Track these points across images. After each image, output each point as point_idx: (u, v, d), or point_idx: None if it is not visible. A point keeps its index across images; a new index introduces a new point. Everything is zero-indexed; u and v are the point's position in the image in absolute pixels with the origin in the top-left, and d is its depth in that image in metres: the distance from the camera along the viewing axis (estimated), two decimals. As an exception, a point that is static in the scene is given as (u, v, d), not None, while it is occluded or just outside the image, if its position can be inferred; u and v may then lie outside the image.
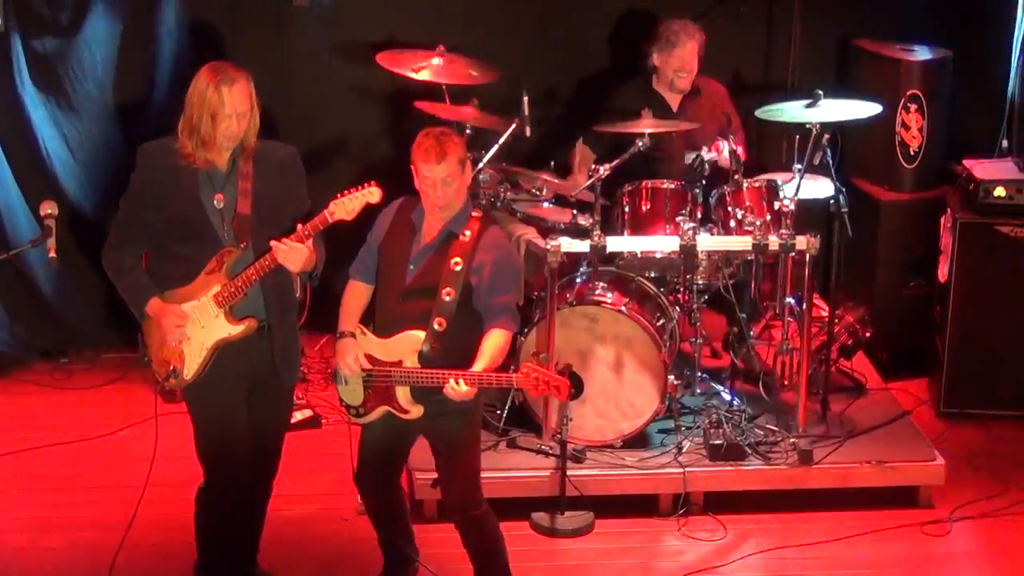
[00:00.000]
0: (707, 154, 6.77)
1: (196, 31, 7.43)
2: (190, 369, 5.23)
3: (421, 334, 5.17)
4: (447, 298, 5.17)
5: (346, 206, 5.15)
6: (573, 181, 6.97)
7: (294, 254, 5.12)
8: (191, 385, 5.25)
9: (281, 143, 5.38)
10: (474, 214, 5.28)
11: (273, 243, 5.11)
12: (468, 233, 5.22)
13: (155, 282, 5.24)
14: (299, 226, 5.14)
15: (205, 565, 5.51)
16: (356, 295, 5.41)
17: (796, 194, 6.53)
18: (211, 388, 5.25)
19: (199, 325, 5.20)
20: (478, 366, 5.11)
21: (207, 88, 5.06)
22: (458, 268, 5.18)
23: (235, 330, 5.20)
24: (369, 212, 5.25)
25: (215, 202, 5.16)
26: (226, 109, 5.05)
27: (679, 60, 6.98)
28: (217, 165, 5.16)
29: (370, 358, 5.27)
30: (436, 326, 5.17)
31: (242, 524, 5.50)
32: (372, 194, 5.17)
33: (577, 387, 6.33)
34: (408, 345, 5.19)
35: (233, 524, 5.43)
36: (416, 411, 5.25)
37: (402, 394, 5.24)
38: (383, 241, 5.34)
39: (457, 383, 5.06)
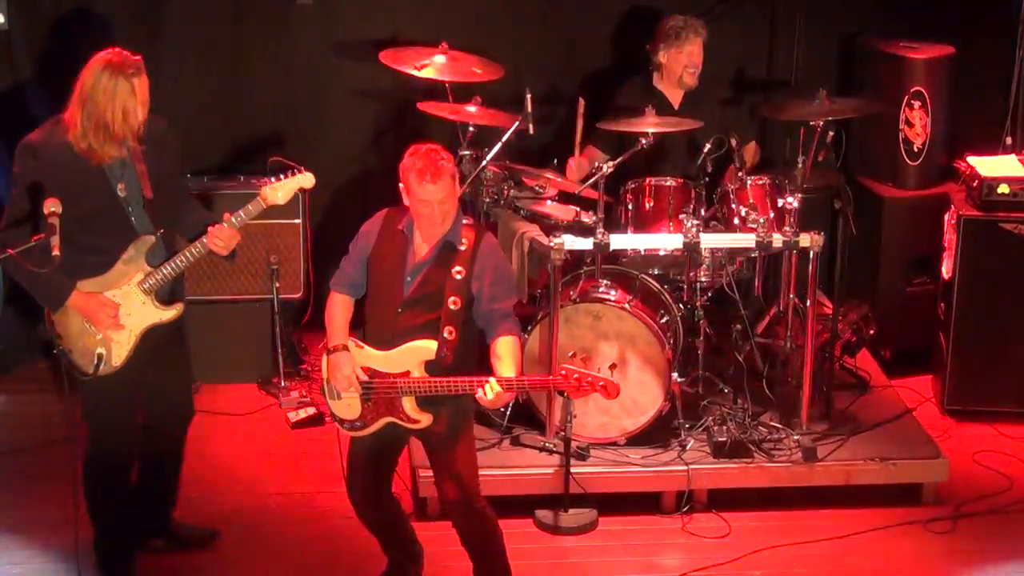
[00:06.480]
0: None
1: (197, 30, 7.42)
2: (119, 356, 5.28)
3: (432, 344, 5.13)
4: (454, 307, 5.14)
5: (279, 191, 5.26)
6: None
7: (226, 241, 5.24)
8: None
9: (152, 115, 5.23)
10: (466, 222, 5.26)
11: (210, 229, 5.22)
12: (465, 242, 5.18)
13: (66, 272, 5.12)
14: (227, 215, 5.24)
15: (103, 537, 5.59)
16: (342, 308, 5.33)
17: (802, 184, 6.53)
18: (123, 368, 5.31)
19: (125, 313, 5.25)
20: (508, 373, 5.05)
21: (116, 82, 5.01)
22: (460, 277, 5.15)
23: (167, 315, 5.32)
24: (355, 207, 5.27)
25: (118, 191, 5.17)
26: (138, 100, 5.05)
27: (688, 56, 6.99)
28: (117, 156, 5.16)
29: (368, 370, 5.22)
30: (446, 335, 5.13)
31: (148, 491, 5.62)
32: (306, 179, 5.28)
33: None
34: (416, 355, 5.15)
35: (128, 492, 5.54)
36: (426, 419, 5.22)
37: (408, 404, 5.20)
38: (372, 254, 5.27)
39: (488, 388, 4.98)
